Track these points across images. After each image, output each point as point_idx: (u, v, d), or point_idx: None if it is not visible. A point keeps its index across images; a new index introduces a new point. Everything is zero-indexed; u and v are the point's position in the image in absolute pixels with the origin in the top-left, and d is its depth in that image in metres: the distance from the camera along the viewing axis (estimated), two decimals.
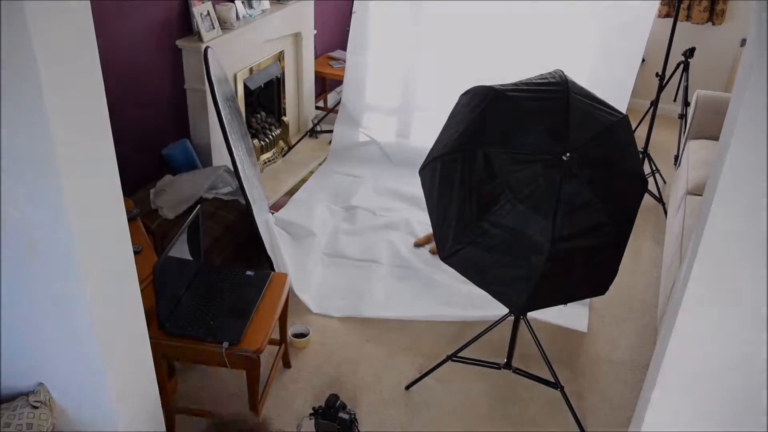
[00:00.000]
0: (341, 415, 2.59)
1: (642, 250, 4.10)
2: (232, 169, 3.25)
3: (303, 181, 4.64)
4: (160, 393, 2.37)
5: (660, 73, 4.41)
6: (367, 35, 4.80)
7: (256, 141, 4.61)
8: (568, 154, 2.22)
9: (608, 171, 2.31)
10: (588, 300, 3.53)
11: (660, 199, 4.51)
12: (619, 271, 2.46)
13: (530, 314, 3.10)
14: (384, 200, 4.39)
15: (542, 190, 2.20)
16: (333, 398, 2.62)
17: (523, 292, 2.34)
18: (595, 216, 2.24)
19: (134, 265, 2.04)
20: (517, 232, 2.23)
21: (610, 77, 4.23)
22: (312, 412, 2.63)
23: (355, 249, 3.91)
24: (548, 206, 2.19)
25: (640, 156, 4.27)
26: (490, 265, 2.35)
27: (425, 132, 4.64)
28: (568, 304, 2.81)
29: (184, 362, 2.95)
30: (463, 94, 2.58)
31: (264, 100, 4.79)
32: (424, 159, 2.55)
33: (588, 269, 2.36)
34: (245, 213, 3.42)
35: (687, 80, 4.69)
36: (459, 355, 2.99)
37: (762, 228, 1.54)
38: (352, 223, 4.18)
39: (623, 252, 2.42)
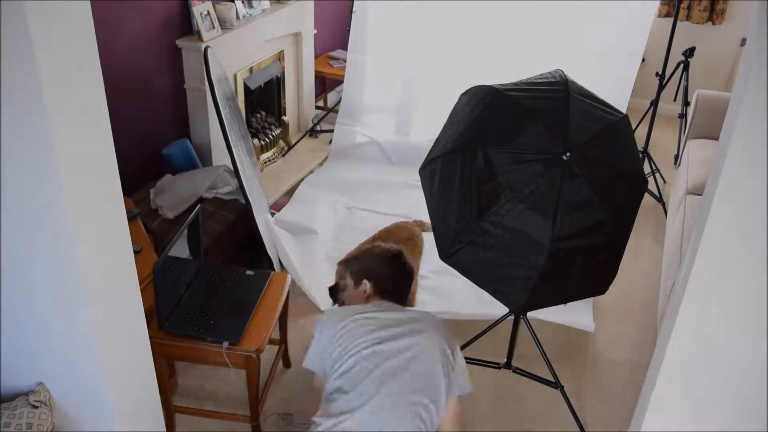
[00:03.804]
0: None
1: (642, 249, 4.10)
2: (232, 168, 3.25)
3: (303, 180, 4.64)
4: (160, 393, 2.37)
5: (660, 73, 4.41)
6: (367, 35, 4.80)
7: (256, 140, 4.61)
8: (568, 154, 2.22)
9: (608, 171, 2.31)
10: (591, 299, 3.53)
11: (660, 199, 4.51)
12: (619, 271, 2.46)
13: (535, 314, 3.10)
14: (385, 199, 4.39)
15: (542, 190, 2.20)
16: None
17: (523, 291, 2.34)
18: (595, 215, 2.24)
19: (134, 264, 2.04)
20: (517, 231, 2.23)
21: (610, 77, 4.22)
22: None
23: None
24: (548, 206, 2.19)
25: (640, 156, 4.28)
26: (490, 264, 2.35)
27: (425, 131, 4.65)
28: (573, 304, 2.81)
29: (185, 362, 2.95)
30: (463, 94, 2.58)
31: (264, 100, 4.79)
32: (425, 159, 2.55)
33: (588, 269, 2.36)
34: (245, 212, 3.42)
35: (687, 80, 4.69)
36: None
37: (762, 228, 1.54)
38: (354, 222, 4.17)
39: (623, 252, 2.42)
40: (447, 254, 2.41)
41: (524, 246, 2.24)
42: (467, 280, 2.50)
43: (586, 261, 2.32)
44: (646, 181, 2.51)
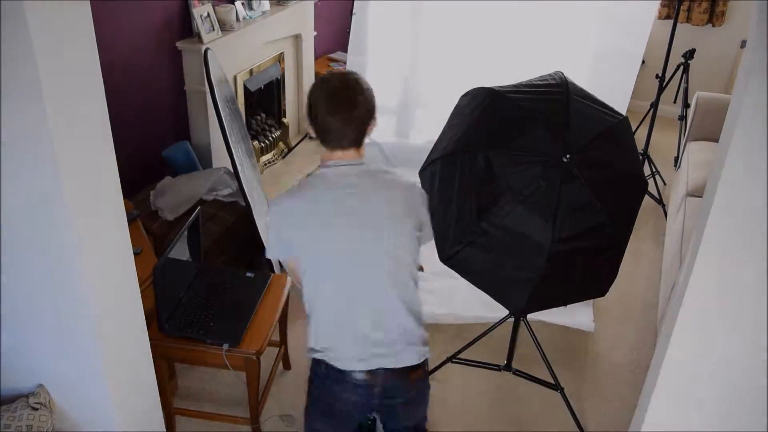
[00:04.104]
0: None
1: (642, 251, 4.09)
2: (232, 170, 3.25)
3: None
4: (160, 393, 2.37)
5: (660, 75, 4.41)
6: (368, 36, 4.81)
7: (256, 143, 4.61)
8: (568, 156, 2.22)
9: (608, 172, 2.30)
10: (592, 301, 3.53)
11: (660, 201, 4.51)
12: (619, 273, 2.46)
13: (535, 316, 3.09)
14: None
15: (542, 192, 2.20)
16: None
17: (523, 293, 2.34)
18: (595, 217, 2.24)
19: (134, 266, 2.04)
20: (517, 233, 2.23)
21: (610, 79, 4.22)
22: None
23: None
24: (548, 207, 2.19)
25: (640, 157, 4.28)
26: (490, 266, 2.35)
27: (425, 133, 4.66)
28: (573, 305, 2.81)
29: (185, 364, 2.95)
30: (462, 96, 2.57)
31: (264, 102, 4.79)
32: (425, 161, 2.55)
33: (588, 271, 2.36)
34: (245, 214, 3.42)
35: (687, 82, 4.69)
36: (459, 356, 2.98)
37: (762, 229, 1.54)
38: None
39: (623, 254, 2.42)
40: (447, 256, 2.40)
41: (524, 247, 2.24)
42: (467, 282, 2.50)
43: (586, 263, 2.32)
44: (646, 184, 2.51)
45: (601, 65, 4.33)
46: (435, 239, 2.47)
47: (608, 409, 2.97)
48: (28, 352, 2.02)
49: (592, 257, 2.33)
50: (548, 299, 2.50)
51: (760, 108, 1.45)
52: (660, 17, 5.51)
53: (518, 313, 2.75)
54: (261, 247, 3.37)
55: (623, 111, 4.08)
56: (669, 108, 5.23)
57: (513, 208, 2.20)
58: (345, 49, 4.98)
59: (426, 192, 2.51)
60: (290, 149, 4.99)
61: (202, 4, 3.78)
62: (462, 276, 2.48)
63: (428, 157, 2.53)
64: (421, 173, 2.53)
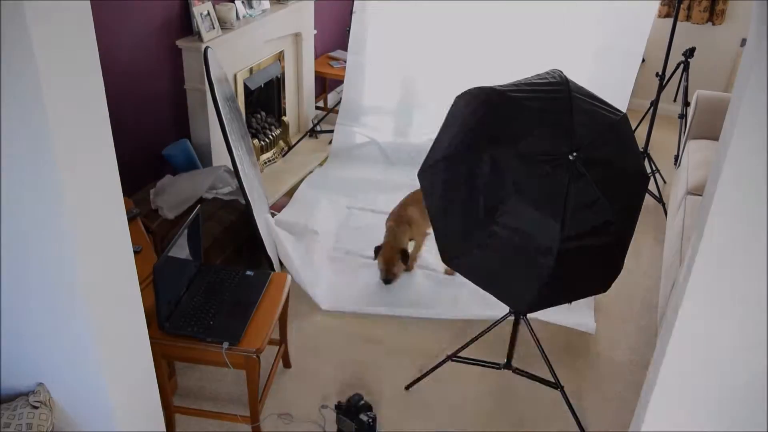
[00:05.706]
0: (361, 416, 2.60)
1: (642, 250, 4.09)
2: (232, 169, 3.25)
3: (303, 181, 4.64)
4: (160, 393, 2.37)
5: (660, 73, 4.41)
6: (367, 35, 4.81)
7: (256, 141, 4.61)
8: (574, 154, 2.21)
9: (613, 169, 2.30)
10: (592, 300, 3.53)
11: (660, 199, 4.51)
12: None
13: (535, 315, 3.09)
14: (385, 199, 4.39)
15: (550, 191, 2.19)
16: (356, 397, 2.65)
17: (530, 292, 2.33)
18: (602, 214, 2.23)
19: (134, 265, 2.04)
20: (526, 233, 2.22)
21: (610, 77, 4.23)
22: (336, 405, 2.65)
23: (359, 248, 3.91)
24: (557, 206, 2.18)
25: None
26: (498, 267, 2.34)
27: (425, 132, 4.66)
28: (574, 304, 2.80)
29: (184, 362, 2.95)
30: (458, 97, 2.55)
31: (264, 100, 4.79)
32: (423, 161, 2.53)
33: (594, 267, 2.36)
34: (245, 213, 3.42)
35: (687, 80, 4.69)
36: (459, 355, 2.98)
37: (762, 228, 1.54)
38: (354, 222, 4.18)
39: (627, 248, 2.42)
40: (451, 257, 2.40)
41: (533, 247, 2.23)
42: (467, 280, 2.50)
43: (593, 260, 2.31)
44: (648, 178, 2.51)
45: (601, 63, 4.34)
46: (437, 241, 2.47)
47: (608, 409, 2.97)
48: (28, 351, 2.02)
49: (599, 254, 2.32)
50: (554, 297, 2.50)
51: (760, 107, 1.45)
52: (660, 16, 5.50)
53: (525, 311, 2.74)
54: (261, 246, 3.38)
55: (623, 109, 4.08)
56: (669, 106, 5.23)
57: (522, 209, 2.19)
58: (345, 48, 4.98)
59: (426, 193, 2.51)
60: (290, 147, 4.99)
61: (203, 2, 3.77)
62: (466, 277, 2.47)
63: (427, 157, 2.52)
64: (421, 174, 2.53)
